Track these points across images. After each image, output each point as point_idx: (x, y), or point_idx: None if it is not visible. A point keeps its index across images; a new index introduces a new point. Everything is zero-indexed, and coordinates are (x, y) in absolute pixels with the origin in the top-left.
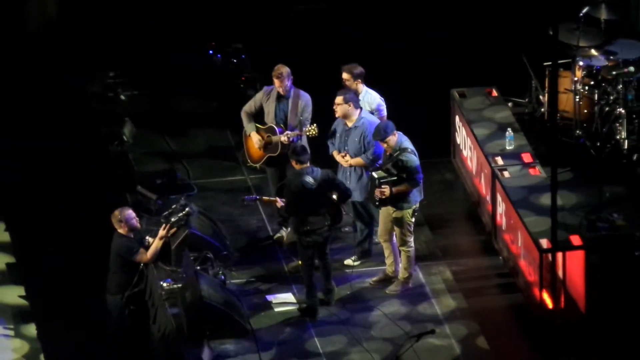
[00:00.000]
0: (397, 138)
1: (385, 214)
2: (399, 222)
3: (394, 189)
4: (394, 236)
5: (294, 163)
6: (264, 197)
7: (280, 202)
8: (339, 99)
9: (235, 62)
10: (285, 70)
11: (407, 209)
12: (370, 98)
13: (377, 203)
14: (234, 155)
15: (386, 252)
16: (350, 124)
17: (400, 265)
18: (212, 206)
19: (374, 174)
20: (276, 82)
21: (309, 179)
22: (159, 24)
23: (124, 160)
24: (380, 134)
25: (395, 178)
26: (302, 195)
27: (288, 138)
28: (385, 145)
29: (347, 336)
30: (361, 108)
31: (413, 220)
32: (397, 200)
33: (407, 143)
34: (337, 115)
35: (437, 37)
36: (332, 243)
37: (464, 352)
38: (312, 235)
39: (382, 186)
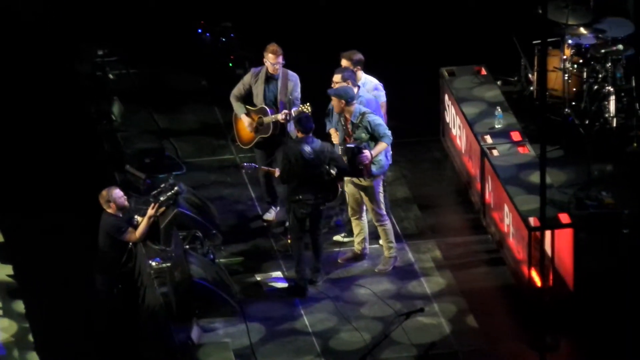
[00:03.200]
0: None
1: (352, 189)
2: (369, 193)
3: (372, 151)
4: (364, 212)
5: (297, 131)
6: (262, 167)
7: (277, 172)
8: (336, 77)
9: (224, 41)
10: (279, 48)
11: (378, 175)
12: (370, 85)
13: (363, 172)
14: (223, 133)
15: (355, 230)
16: None
17: (382, 242)
18: (201, 185)
19: (349, 145)
20: (270, 57)
21: (307, 148)
22: (148, 3)
23: (112, 139)
24: (350, 95)
25: (367, 140)
26: (298, 163)
27: (286, 116)
28: (347, 113)
29: (337, 315)
30: (359, 86)
31: (382, 190)
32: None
33: (363, 107)
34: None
35: (426, 15)
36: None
37: (453, 330)
38: (303, 206)
39: (363, 151)
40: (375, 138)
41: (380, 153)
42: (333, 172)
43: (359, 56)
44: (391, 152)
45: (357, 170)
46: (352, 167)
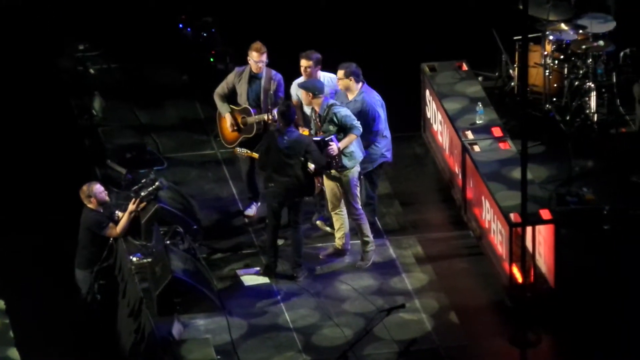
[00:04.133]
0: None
1: (330, 183)
2: (345, 186)
3: (340, 144)
4: (344, 207)
5: (278, 121)
6: (248, 152)
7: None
8: (340, 74)
9: (205, 36)
10: (263, 46)
11: (352, 168)
12: (332, 83)
13: (331, 165)
14: (204, 129)
15: (336, 225)
16: (350, 97)
17: (359, 237)
18: (182, 180)
19: (315, 138)
20: (255, 55)
21: (284, 137)
22: None
23: (93, 134)
24: (317, 88)
25: (336, 133)
26: (273, 151)
27: (273, 117)
28: (315, 106)
29: (318, 310)
30: (363, 82)
31: (358, 184)
32: (343, 159)
33: (331, 100)
34: (339, 89)
35: (407, 10)
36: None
37: (434, 327)
38: (275, 194)
39: (330, 144)
40: (346, 130)
41: (351, 145)
42: (311, 166)
43: (317, 55)
44: (390, 147)
45: (326, 164)
46: (321, 167)
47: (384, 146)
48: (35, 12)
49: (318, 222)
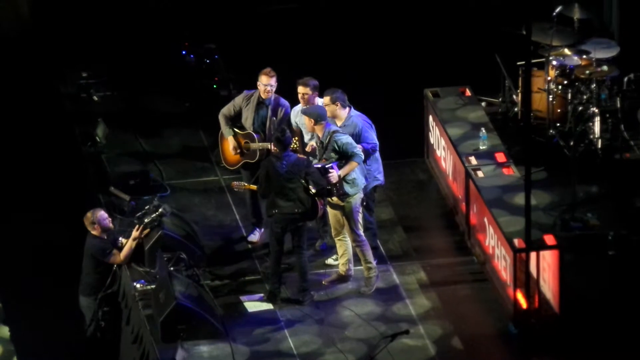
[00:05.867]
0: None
1: (333, 210)
2: (348, 212)
3: (341, 171)
4: (347, 233)
5: (274, 146)
6: (246, 184)
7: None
8: (326, 99)
9: (208, 63)
10: (273, 71)
11: (355, 194)
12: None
13: (334, 192)
14: (208, 155)
15: (339, 251)
16: (339, 123)
17: (362, 263)
18: (186, 207)
19: (316, 166)
20: (264, 78)
21: (282, 162)
22: (132, 25)
23: (96, 161)
24: (320, 115)
25: (338, 160)
26: (273, 177)
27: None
28: (317, 132)
29: (321, 337)
30: (350, 106)
31: (361, 210)
32: (345, 185)
33: (334, 126)
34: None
35: (410, 36)
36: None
37: (438, 353)
38: (279, 220)
39: (330, 171)
40: (347, 157)
41: (352, 172)
42: (312, 189)
43: (314, 82)
44: (378, 174)
45: (326, 190)
46: (322, 188)
47: (376, 169)
48: (38, 39)
49: (329, 261)
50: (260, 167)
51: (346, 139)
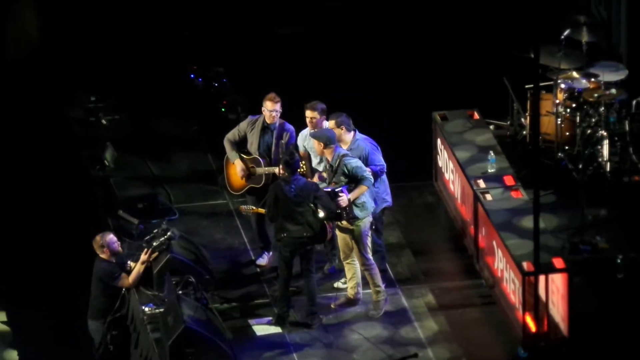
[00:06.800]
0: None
1: (342, 233)
2: (357, 236)
3: (350, 195)
4: (355, 256)
5: (282, 170)
6: (254, 208)
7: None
8: (330, 123)
9: (216, 86)
10: (277, 96)
11: (364, 218)
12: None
13: (343, 216)
14: (216, 179)
15: (348, 274)
16: (345, 147)
17: (371, 287)
18: (194, 230)
19: (326, 189)
20: (268, 104)
21: (291, 186)
22: (141, 48)
23: (105, 184)
24: (329, 138)
25: (347, 184)
26: (282, 201)
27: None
28: (327, 156)
29: None
30: (355, 130)
31: (370, 234)
32: (354, 209)
33: (343, 150)
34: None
35: (419, 59)
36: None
37: None
38: (287, 244)
39: (340, 195)
40: (357, 181)
41: (362, 195)
42: (321, 213)
43: (322, 105)
44: (386, 196)
45: (336, 214)
46: (331, 212)
47: (384, 191)
48: (47, 62)
49: (337, 284)
50: (269, 191)
51: (356, 162)
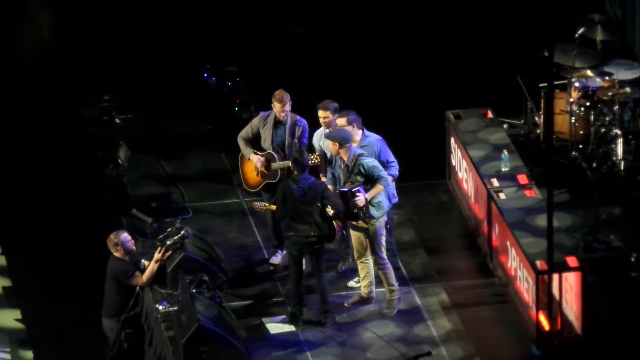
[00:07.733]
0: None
1: (357, 232)
2: (372, 235)
3: (367, 195)
4: (369, 255)
5: (292, 169)
6: (267, 205)
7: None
8: (341, 121)
9: (229, 85)
10: (287, 95)
11: (380, 217)
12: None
13: (360, 215)
14: (229, 178)
15: (362, 273)
16: (354, 145)
17: (385, 286)
18: (207, 229)
19: (342, 189)
20: (277, 105)
21: (299, 185)
22: (154, 47)
23: (119, 183)
24: (344, 138)
25: (364, 183)
26: (289, 200)
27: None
28: (342, 156)
29: (343, 358)
30: (363, 128)
31: (384, 233)
32: (370, 209)
33: (359, 150)
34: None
35: (432, 58)
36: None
37: None
38: (295, 243)
39: (357, 194)
40: (373, 180)
41: (378, 195)
42: (330, 212)
43: (334, 105)
44: (394, 192)
45: (353, 214)
46: (348, 211)
47: (392, 187)
48: (61, 62)
49: (351, 284)
50: (278, 190)
51: (372, 162)
